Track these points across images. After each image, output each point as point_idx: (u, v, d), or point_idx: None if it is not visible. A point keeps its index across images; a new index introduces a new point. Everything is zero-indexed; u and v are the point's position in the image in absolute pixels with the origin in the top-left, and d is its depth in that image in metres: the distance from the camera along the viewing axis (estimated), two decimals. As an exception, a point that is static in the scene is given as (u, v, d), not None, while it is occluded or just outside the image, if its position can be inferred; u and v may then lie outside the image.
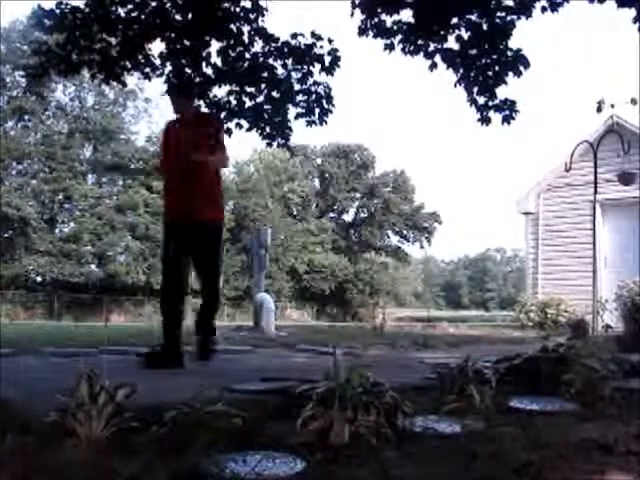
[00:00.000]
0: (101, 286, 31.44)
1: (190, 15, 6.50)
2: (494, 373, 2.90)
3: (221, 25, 6.57)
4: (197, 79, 6.87)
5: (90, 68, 6.64)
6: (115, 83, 7.14)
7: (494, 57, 6.40)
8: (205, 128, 4.68)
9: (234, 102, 6.99)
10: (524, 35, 7.03)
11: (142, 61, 6.75)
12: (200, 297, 4.83)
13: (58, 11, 6.30)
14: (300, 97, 6.95)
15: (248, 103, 6.96)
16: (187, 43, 6.68)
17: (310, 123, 7.02)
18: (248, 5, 6.69)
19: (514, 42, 6.34)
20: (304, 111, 6.98)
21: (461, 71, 6.49)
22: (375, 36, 6.52)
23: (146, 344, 5.09)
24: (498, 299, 71.78)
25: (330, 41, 6.78)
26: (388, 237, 47.40)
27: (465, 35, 6.35)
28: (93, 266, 32.64)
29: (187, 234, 4.56)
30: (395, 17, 6.44)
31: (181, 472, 1.70)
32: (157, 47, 6.75)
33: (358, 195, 46.52)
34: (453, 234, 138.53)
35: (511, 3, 6.25)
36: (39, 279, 32.31)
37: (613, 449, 1.98)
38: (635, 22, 5.57)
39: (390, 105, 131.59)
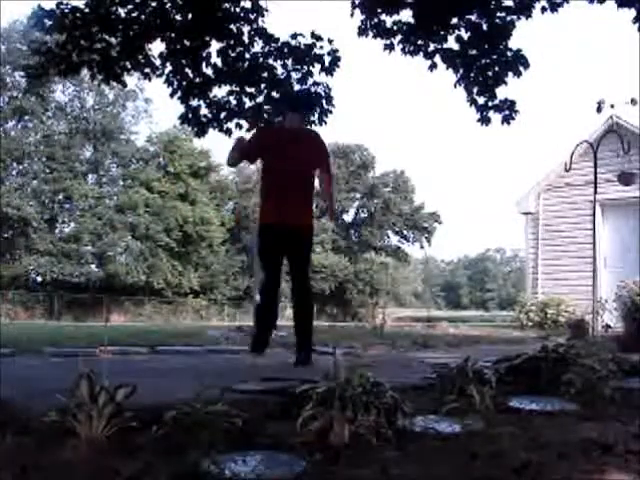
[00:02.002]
0: (101, 286, 31.41)
1: (190, 15, 6.50)
2: (494, 373, 2.90)
3: (221, 25, 6.58)
4: (197, 79, 6.88)
5: (90, 68, 6.64)
6: (115, 83, 7.14)
7: (494, 57, 6.42)
8: (317, 145, 4.82)
9: (234, 102, 7.00)
10: (524, 35, 7.04)
11: (142, 61, 6.75)
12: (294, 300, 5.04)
13: (58, 11, 6.30)
14: (300, 97, 6.95)
15: (248, 103, 6.97)
16: (187, 43, 6.69)
17: (310, 123, 7.02)
18: (248, 5, 6.70)
19: (514, 42, 6.36)
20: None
21: (461, 71, 6.50)
22: (375, 36, 6.53)
23: (148, 344, 5.08)
24: (498, 299, 71.60)
25: (330, 41, 6.79)
26: (388, 237, 47.36)
27: (465, 35, 6.37)
28: (93, 266, 32.59)
29: (292, 237, 4.70)
30: (395, 17, 6.46)
31: (181, 472, 1.70)
32: (157, 47, 6.76)
33: (358, 195, 46.47)
34: (453, 234, 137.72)
35: (511, 3, 6.27)
36: (39, 279, 32.26)
37: (613, 449, 1.97)
38: (635, 22, 5.59)
39: (390, 105, 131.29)
